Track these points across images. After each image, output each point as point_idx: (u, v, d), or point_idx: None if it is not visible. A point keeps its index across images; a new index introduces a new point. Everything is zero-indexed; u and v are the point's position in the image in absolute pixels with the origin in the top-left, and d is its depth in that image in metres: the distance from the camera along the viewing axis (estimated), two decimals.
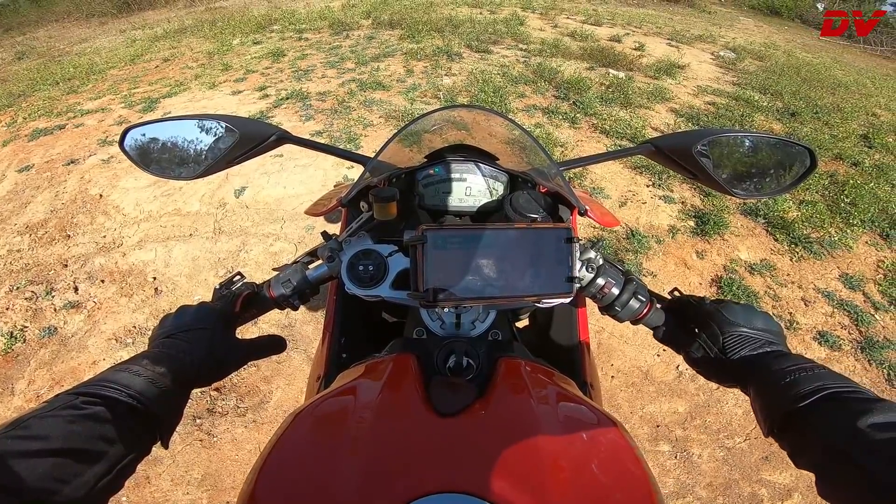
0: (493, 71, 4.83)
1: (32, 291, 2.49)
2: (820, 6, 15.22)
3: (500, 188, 0.86)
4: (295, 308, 0.68)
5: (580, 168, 2.81)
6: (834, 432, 0.42)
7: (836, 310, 2.44)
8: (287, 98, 4.29)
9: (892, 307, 2.48)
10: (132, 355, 0.53)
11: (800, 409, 0.46)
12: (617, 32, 7.05)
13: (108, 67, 6.41)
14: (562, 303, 0.63)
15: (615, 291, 0.65)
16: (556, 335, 0.90)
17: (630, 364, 2.10)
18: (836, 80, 6.46)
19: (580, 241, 0.64)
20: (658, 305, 0.67)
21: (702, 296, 0.65)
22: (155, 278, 2.58)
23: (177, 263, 2.67)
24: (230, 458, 1.79)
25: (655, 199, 3.00)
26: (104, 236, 2.88)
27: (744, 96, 4.89)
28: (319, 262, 0.68)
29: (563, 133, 3.74)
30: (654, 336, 0.68)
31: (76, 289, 2.52)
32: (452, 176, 0.85)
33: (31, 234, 2.94)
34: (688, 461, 1.80)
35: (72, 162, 3.66)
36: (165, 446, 0.50)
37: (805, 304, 2.47)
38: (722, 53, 6.77)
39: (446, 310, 0.62)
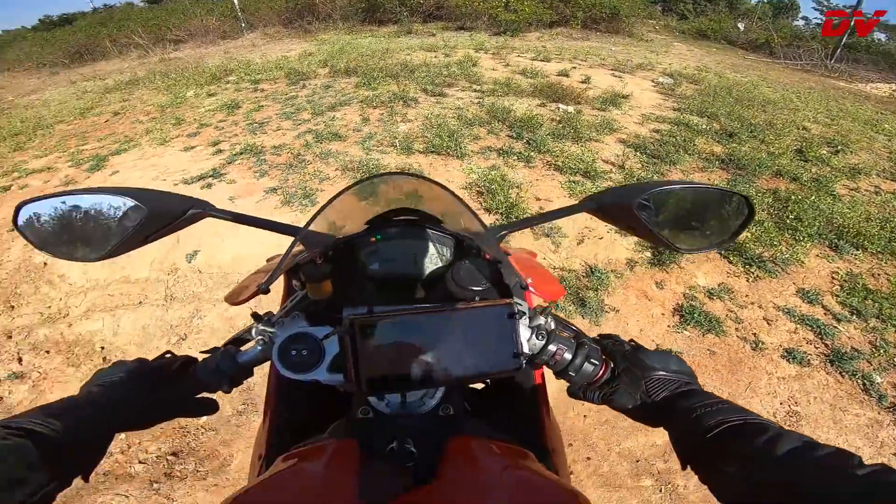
0: (448, 114, 4.96)
1: None
2: (741, 26, 16.64)
3: (447, 252, 0.82)
4: (226, 391, 0.66)
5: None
6: (734, 465, 0.45)
7: (798, 326, 2.50)
8: (241, 153, 4.24)
9: (853, 317, 2.57)
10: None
11: (705, 442, 0.49)
12: (565, 67, 7.42)
13: (57, 122, 6.28)
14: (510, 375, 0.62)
15: (568, 356, 0.63)
16: (515, 398, 0.86)
17: None
18: (765, 97, 6.96)
19: (526, 311, 0.63)
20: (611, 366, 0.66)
21: (621, 339, 0.68)
22: (103, 348, 2.53)
23: (125, 332, 2.61)
24: None
25: (612, 233, 3.06)
26: (49, 306, 2.80)
27: (684, 121, 5.17)
28: (252, 343, 0.65)
29: (518, 173, 3.82)
30: (570, 392, 0.68)
31: (20, 360, 2.45)
32: (395, 243, 0.81)
33: None
34: (674, 493, 1.76)
35: None
36: (86, 480, 0.53)
37: (767, 323, 2.52)
38: (661, 80, 7.20)
39: None
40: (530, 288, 0.69)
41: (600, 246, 2.97)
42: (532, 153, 4.09)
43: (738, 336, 2.43)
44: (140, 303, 2.77)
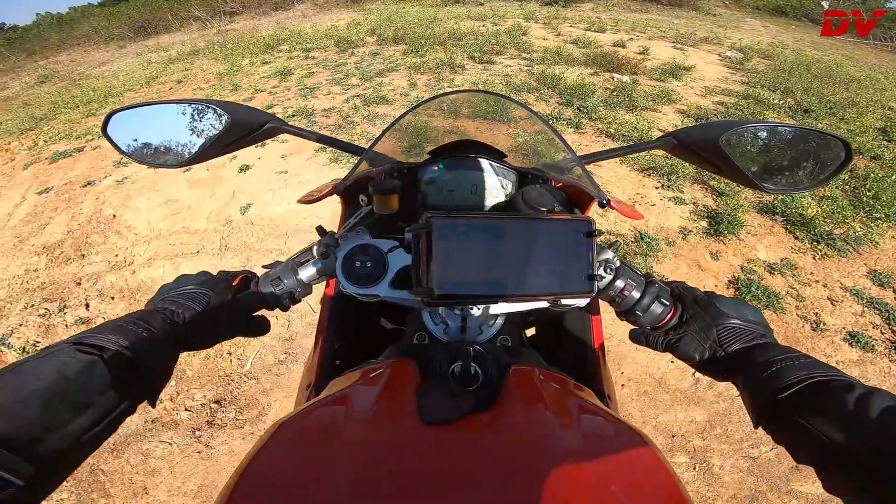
0: (495, 81, 4.85)
1: (46, 308, 2.54)
2: (825, 4, 14.94)
3: (508, 186, 0.82)
4: (284, 308, 0.64)
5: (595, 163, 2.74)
6: (823, 424, 0.41)
7: (865, 309, 2.32)
8: (293, 115, 4.36)
9: None
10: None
11: (785, 399, 0.45)
12: (621, 38, 7.03)
13: (126, 90, 6.64)
14: (578, 304, 0.59)
15: (636, 295, 0.60)
16: (568, 343, 0.84)
17: (641, 371, 2.00)
18: (848, 75, 6.32)
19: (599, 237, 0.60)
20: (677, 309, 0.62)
21: (690, 286, 0.62)
22: None
23: None
24: (227, 469, 1.76)
25: (665, 200, 2.92)
26: (116, 255, 2.95)
27: (754, 94, 4.80)
28: (314, 258, 0.64)
29: (567, 138, 3.68)
30: (632, 336, 0.63)
31: (87, 305, 2.56)
32: (457, 174, 0.81)
33: (48, 255, 3.01)
34: (708, 473, 1.70)
35: (88, 183, 3.75)
36: (153, 404, 0.50)
37: (832, 303, 2.35)
38: (729, 54, 6.69)
39: (455, 311, 0.58)
40: (612, 203, 0.66)
41: (652, 212, 2.85)
42: (582, 119, 3.95)
43: (797, 314, 2.28)
44: (198, 252, 2.91)
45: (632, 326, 0.63)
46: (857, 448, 0.38)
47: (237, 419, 1.93)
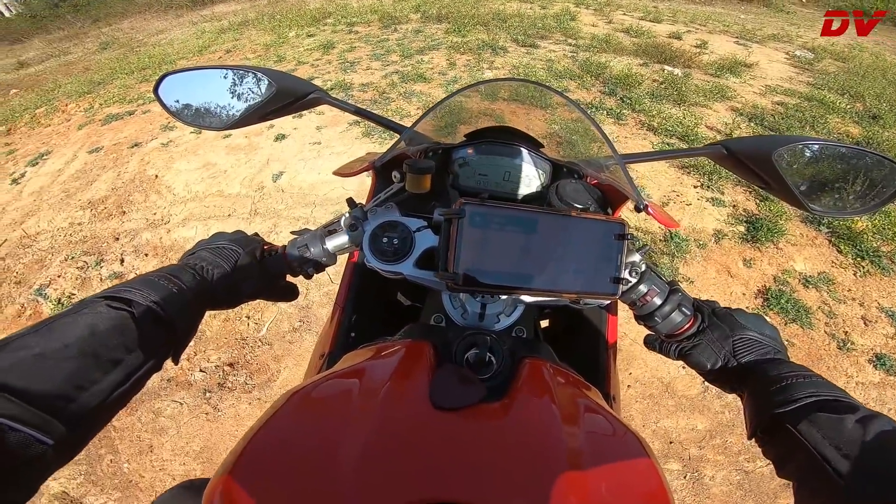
0: (537, 65, 4.71)
1: (84, 261, 2.71)
2: None
3: (542, 177, 0.81)
4: (308, 276, 0.66)
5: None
6: (817, 439, 0.41)
7: None
8: (331, 89, 4.40)
9: None
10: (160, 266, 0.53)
11: (787, 413, 0.45)
12: (677, 30, 6.64)
13: (179, 58, 6.91)
14: (599, 304, 0.60)
15: (657, 301, 0.59)
16: (582, 339, 0.84)
17: (650, 374, 1.96)
18: None
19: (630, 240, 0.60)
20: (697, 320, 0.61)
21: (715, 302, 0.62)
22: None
23: None
24: (230, 433, 1.83)
25: (702, 200, 2.77)
26: (154, 213, 3.10)
27: (818, 97, 4.43)
28: (342, 229, 0.65)
29: (606, 129, 3.56)
30: (647, 341, 0.64)
31: (122, 260, 2.72)
32: (492, 159, 0.81)
33: (91, 210, 3.21)
34: (698, 483, 1.66)
35: (136, 145, 3.95)
36: (176, 361, 0.51)
37: (865, 322, 2.21)
38: (798, 53, 6.20)
39: (475, 297, 0.60)
40: (650, 209, 0.65)
41: (687, 212, 2.72)
42: (624, 110, 3.79)
43: (825, 331, 2.15)
44: (229, 215, 3.03)
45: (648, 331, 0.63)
46: (843, 466, 0.38)
47: (247, 384, 2.00)
